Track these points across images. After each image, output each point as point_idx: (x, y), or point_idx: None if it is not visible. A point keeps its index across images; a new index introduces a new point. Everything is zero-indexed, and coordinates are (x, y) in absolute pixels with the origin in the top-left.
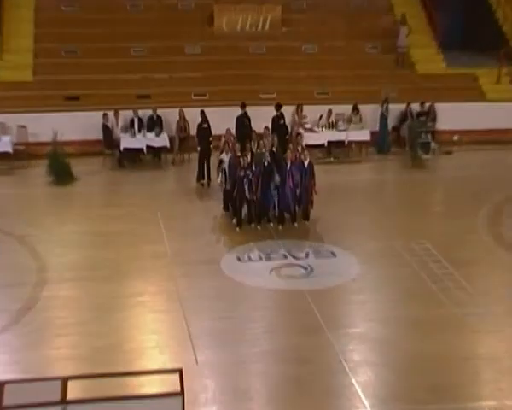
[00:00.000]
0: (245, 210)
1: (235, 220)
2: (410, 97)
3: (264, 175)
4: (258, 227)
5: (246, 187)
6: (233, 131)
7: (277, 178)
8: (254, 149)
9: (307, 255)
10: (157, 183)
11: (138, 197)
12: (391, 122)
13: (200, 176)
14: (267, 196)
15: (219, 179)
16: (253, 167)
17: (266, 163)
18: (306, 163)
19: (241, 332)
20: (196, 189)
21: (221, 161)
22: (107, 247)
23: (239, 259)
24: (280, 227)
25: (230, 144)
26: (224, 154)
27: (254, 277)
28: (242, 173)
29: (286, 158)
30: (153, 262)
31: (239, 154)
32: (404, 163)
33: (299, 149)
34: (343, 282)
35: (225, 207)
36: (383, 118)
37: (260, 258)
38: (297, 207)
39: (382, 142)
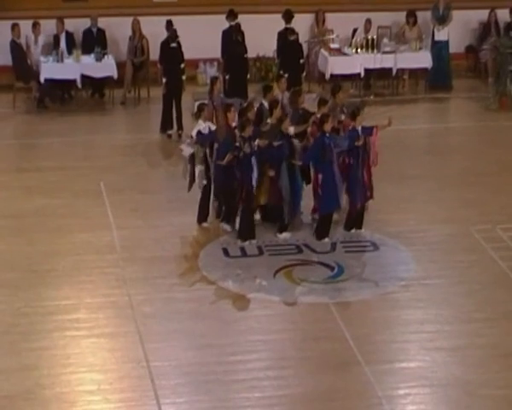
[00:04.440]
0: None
1: (227, 226)
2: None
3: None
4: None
5: (253, 170)
6: (215, 51)
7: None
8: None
9: (334, 247)
10: (98, 134)
11: (69, 157)
12: (461, 40)
13: (167, 124)
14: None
15: (197, 175)
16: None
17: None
18: (360, 128)
19: (230, 370)
20: (160, 143)
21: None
22: (19, 235)
23: (227, 253)
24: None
25: (216, 101)
26: (200, 121)
27: (251, 281)
28: (247, 148)
29: (323, 124)
30: (92, 259)
31: (233, 123)
32: (487, 103)
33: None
34: (389, 289)
35: (205, 215)
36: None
37: (260, 251)
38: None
39: (436, 72)
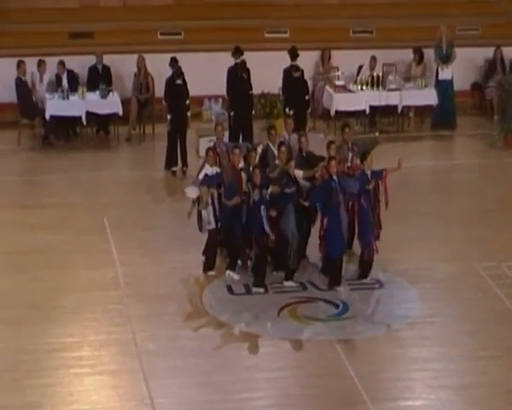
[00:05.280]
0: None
1: (233, 274)
2: (502, 37)
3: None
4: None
5: (264, 217)
6: (219, 87)
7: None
8: (272, 148)
9: None
10: (103, 171)
11: (73, 194)
12: (466, 77)
13: (172, 160)
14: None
15: (205, 215)
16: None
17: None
18: (369, 171)
19: (235, 407)
20: (165, 180)
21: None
22: (23, 272)
23: (231, 290)
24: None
25: (219, 147)
26: (207, 166)
27: (255, 318)
28: (256, 196)
29: (329, 167)
30: (96, 296)
31: (241, 164)
32: (491, 141)
33: (350, 144)
34: (394, 327)
35: (212, 263)
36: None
37: (265, 288)
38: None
39: (440, 110)
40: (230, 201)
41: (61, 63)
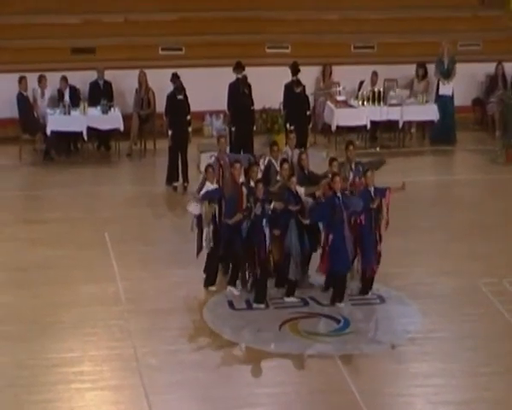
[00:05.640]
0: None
1: (233, 290)
2: (503, 53)
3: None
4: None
5: (266, 231)
6: (222, 102)
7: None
8: (274, 164)
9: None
10: (104, 186)
11: (74, 209)
12: (467, 92)
13: (173, 176)
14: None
15: (205, 237)
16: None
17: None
18: (372, 189)
19: None
20: (166, 195)
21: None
22: (24, 287)
23: (232, 305)
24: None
25: (223, 159)
26: (208, 183)
27: (256, 334)
28: (258, 209)
29: (333, 184)
30: (97, 311)
31: (241, 179)
32: (493, 156)
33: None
34: (395, 343)
35: (212, 279)
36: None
37: (266, 304)
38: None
39: (440, 126)
40: (231, 219)
41: (64, 79)
